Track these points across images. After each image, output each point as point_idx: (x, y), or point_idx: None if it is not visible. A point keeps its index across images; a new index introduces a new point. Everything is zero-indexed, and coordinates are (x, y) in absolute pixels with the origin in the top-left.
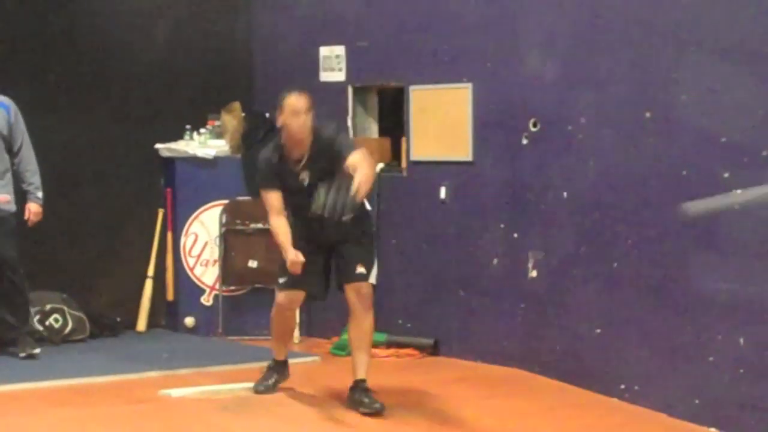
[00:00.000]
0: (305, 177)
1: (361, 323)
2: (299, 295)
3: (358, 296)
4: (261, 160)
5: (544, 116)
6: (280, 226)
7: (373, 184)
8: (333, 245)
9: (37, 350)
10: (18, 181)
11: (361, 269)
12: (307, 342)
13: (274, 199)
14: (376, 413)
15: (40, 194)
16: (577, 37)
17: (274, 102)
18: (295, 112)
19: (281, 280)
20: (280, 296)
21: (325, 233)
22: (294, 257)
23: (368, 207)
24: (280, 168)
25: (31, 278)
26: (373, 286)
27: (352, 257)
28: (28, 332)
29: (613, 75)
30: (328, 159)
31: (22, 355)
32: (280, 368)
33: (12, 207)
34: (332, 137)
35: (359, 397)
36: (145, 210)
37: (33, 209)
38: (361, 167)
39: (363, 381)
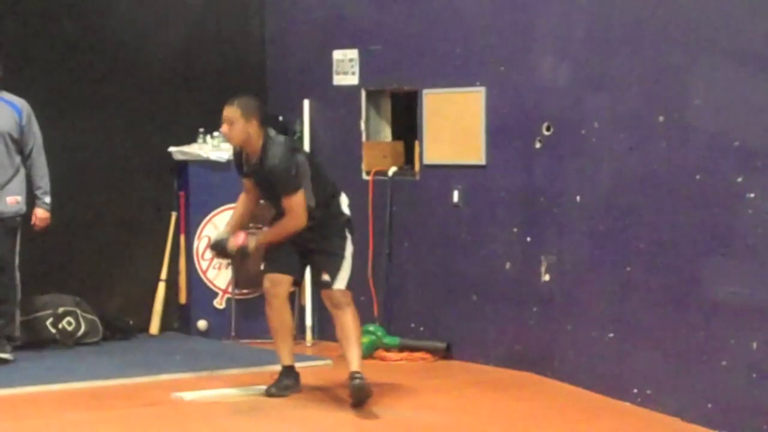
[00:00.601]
0: (255, 180)
1: (341, 322)
2: (281, 278)
3: (330, 303)
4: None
5: (557, 120)
6: (241, 202)
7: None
8: (305, 247)
9: (9, 356)
10: (29, 184)
11: (325, 277)
12: (319, 345)
13: (245, 181)
14: (362, 391)
15: (47, 199)
16: (591, 40)
17: (287, 105)
18: (223, 120)
19: (262, 267)
20: (264, 284)
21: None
22: (219, 233)
23: (347, 212)
24: (241, 159)
25: (43, 281)
26: (348, 289)
27: (317, 265)
28: (8, 336)
29: (627, 79)
30: (268, 179)
31: (10, 357)
32: (290, 373)
33: (21, 208)
34: (274, 166)
35: (351, 383)
36: (158, 213)
37: (39, 214)
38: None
39: (357, 372)
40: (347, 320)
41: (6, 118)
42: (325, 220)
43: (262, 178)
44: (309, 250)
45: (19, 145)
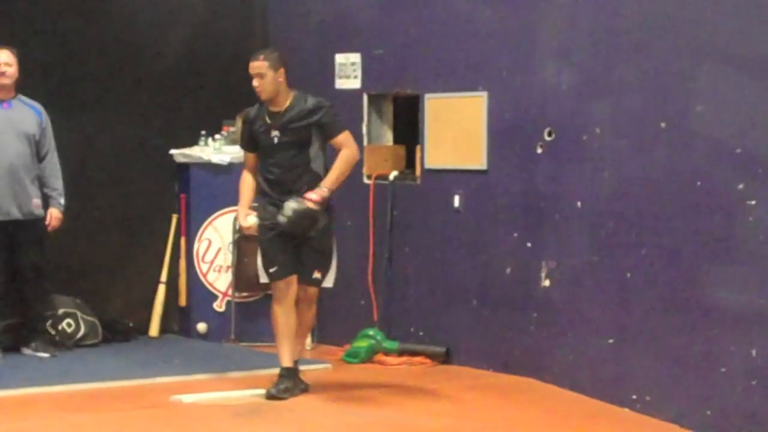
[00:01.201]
0: (276, 135)
1: (304, 316)
2: (292, 279)
3: (306, 295)
4: (243, 114)
5: (559, 125)
6: (246, 179)
7: (350, 168)
8: (295, 236)
9: (55, 352)
10: (42, 186)
11: (317, 275)
12: (319, 349)
13: (249, 157)
14: (303, 391)
15: (62, 200)
16: (593, 46)
17: None
18: (252, 75)
19: (272, 270)
20: (278, 285)
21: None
22: (243, 220)
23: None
24: (255, 123)
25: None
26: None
27: (310, 262)
28: (43, 334)
29: (629, 85)
30: (303, 124)
31: (45, 355)
32: (290, 375)
33: (41, 211)
34: (316, 106)
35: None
36: (159, 215)
37: (55, 215)
38: (338, 161)
39: (295, 362)
40: (309, 318)
41: (30, 120)
42: (322, 210)
43: (292, 128)
44: (301, 242)
45: (37, 147)
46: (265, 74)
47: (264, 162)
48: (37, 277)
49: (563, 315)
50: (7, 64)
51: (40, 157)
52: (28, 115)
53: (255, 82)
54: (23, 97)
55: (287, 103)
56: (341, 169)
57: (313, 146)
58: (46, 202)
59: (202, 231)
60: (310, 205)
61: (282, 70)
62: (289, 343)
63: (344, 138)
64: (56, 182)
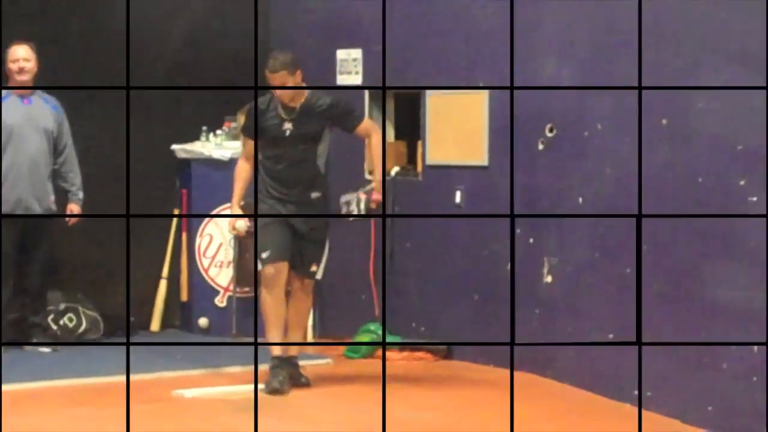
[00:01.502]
0: (289, 127)
1: (300, 306)
2: (283, 266)
3: (302, 286)
4: (251, 106)
5: (560, 122)
6: (243, 169)
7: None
8: (298, 228)
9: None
10: (60, 180)
11: (314, 268)
12: None
13: (249, 146)
14: (305, 386)
15: (81, 195)
16: (594, 43)
17: None
18: (275, 83)
19: (265, 255)
20: (268, 270)
21: (288, 208)
22: (233, 223)
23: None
24: (267, 114)
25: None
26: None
27: (308, 256)
28: (45, 329)
29: (630, 81)
30: (319, 119)
31: (47, 350)
32: (283, 364)
33: (55, 207)
34: (333, 102)
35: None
36: (161, 211)
37: (76, 210)
38: (377, 161)
39: (295, 357)
40: (306, 308)
41: (48, 116)
42: (323, 202)
43: (307, 123)
44: (300, 234)
45: (55, 142)
46: (286, 82)
47: (269, 154)
48: (42, 272)
49: (564, 311)
50: (26, 60)
51: (57, 152)
52: (46, 111)
53: (279, 92)
54: (41, 92)
55: (302, 99)
56: (380, 157)
57: (321, 143)
58: (60, 198)
59: (204, 226)
60: (374, 206)
61: (299, 71)
62: (279, 332)
63: (367, 124)
64: (75, 177)
